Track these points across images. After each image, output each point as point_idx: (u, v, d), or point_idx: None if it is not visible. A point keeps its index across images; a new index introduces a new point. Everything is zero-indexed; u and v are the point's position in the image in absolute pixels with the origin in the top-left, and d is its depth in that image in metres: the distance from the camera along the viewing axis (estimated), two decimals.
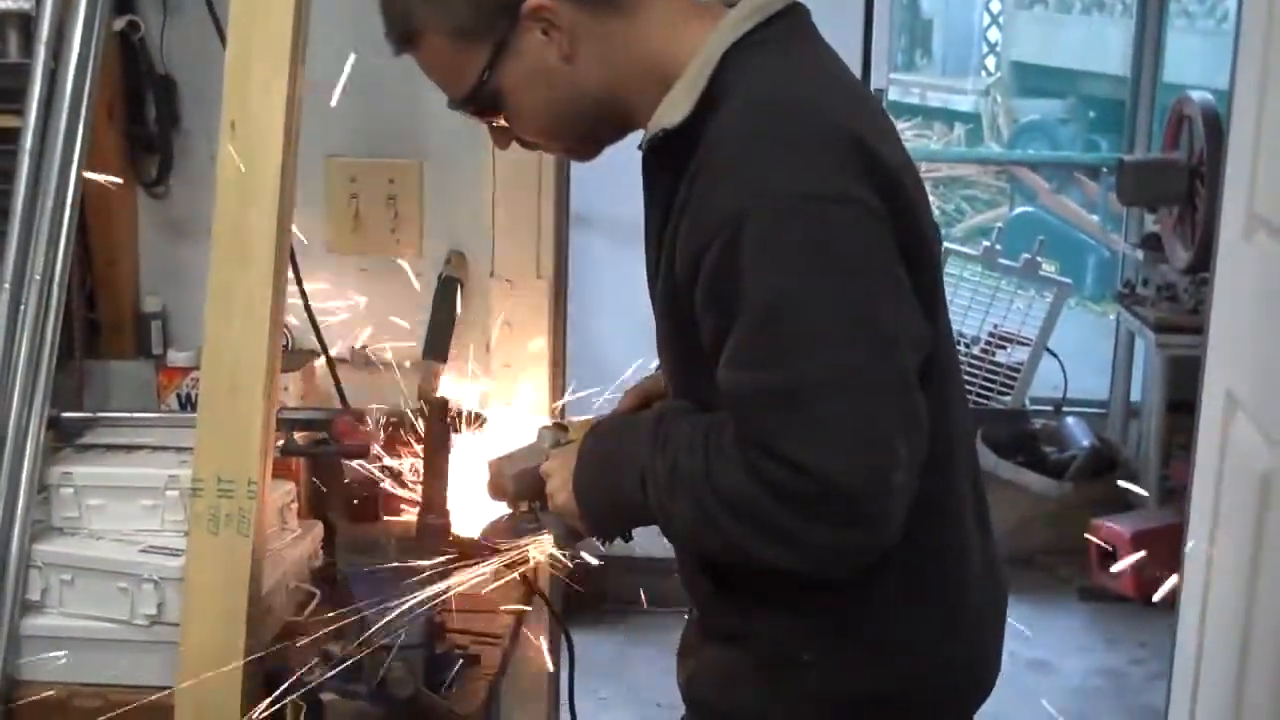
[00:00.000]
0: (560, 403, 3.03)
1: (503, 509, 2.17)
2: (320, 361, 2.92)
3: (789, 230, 1.67)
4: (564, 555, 2.32)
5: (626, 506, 1.87)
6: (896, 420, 1.68)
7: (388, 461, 2.75)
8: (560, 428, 2.12)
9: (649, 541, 1.91)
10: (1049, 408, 6.58)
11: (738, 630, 1.93)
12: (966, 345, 6.45)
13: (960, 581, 1.95)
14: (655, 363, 2.30)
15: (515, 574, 2.37)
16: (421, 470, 2.66)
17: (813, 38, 1.90)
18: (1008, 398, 6.36)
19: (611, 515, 1.92)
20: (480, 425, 2.87)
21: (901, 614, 1.88)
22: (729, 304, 1.69)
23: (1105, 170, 7.88)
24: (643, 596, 2.76)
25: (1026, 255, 6.60)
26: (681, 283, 1.77)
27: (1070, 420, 6.44)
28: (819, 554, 1.71)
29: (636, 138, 1.97)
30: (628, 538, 1.99)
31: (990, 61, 12.57)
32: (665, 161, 1.83)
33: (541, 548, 2.23)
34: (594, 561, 2.45)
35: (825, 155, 1.70)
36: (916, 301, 1.76)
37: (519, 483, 2.08)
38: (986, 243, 6.73)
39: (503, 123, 1.96)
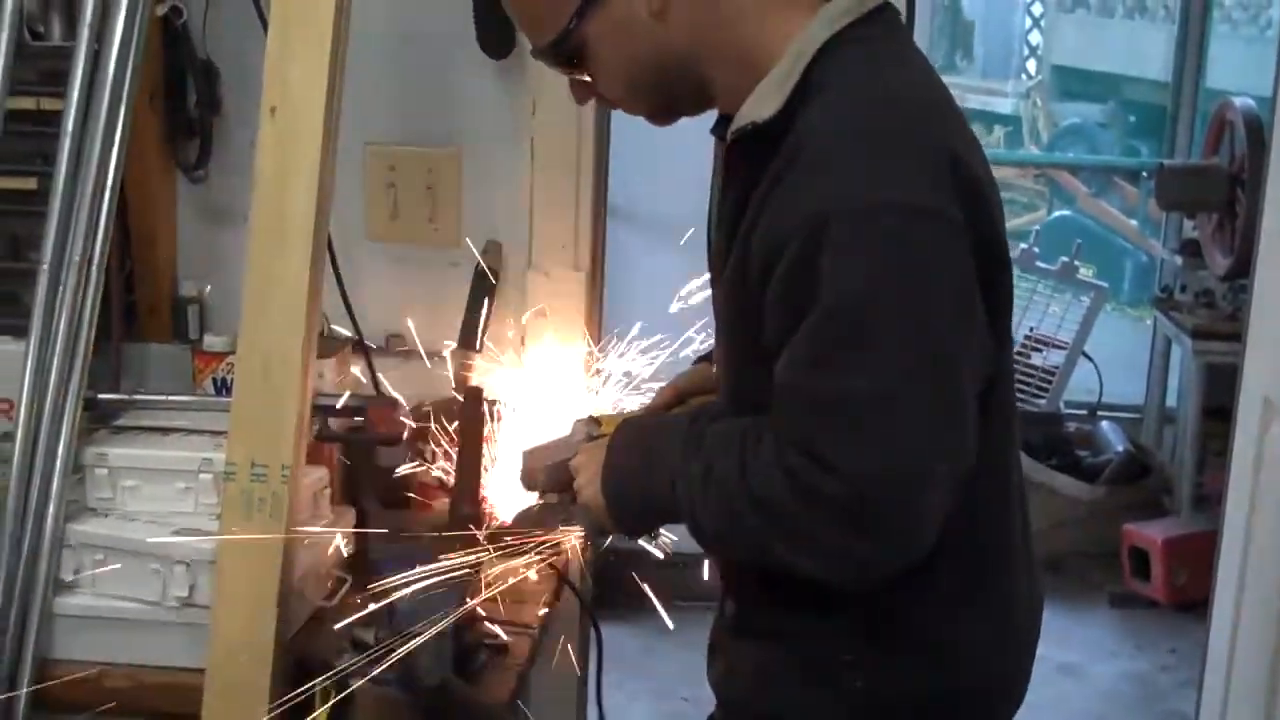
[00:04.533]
0: (594, 394, 3.03)
1: (534, 499, 2.17)
2: (356, 349, 2.93)
3: (870, 238, 1.66)
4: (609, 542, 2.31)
5: (654, 505, 1.87)
6: (942, 442, 1.68)
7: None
8: (594, 421, 2.12)
9: (676, 536, 1.91)
10: (1084, 411, 6.56)
11: (777, 628, 1.93)
12: None
13: (1006, 593, 1.95)
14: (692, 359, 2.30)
15: (545, 564, 2.37)
16: (455, 459, 2.66)
17: (905, 39, 1.89)
18: (1043, 400, 6.34)
19: (638, 513, 1.93)
20: (514, 415, 2.87)
21: (947, 621, 1.88)
22: (800, 303, 1.68)
23: (1145, 175, 7.83)
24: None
25: (1064, 259, 6.57)
26: (754, 276, 1.75)
27: (1105, 424, 6.42)
28: (843, 563, 1.71)
29: (683, 128, 1.98)
30: (655, 536, 1.99)
31: (1031, 64, 12.49)
32: (748, 153, 1.81)
33: (570, 539, 2.23)
34: (659, 554, 2.44)
35: (914, 165, 1.69)
36: (986, 321, 1.75)
37: (550, 475, 2.08)
38: (1024, 245, 6.70)
39: (585, 77, 1.95)
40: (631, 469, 1.90)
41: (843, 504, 1.65)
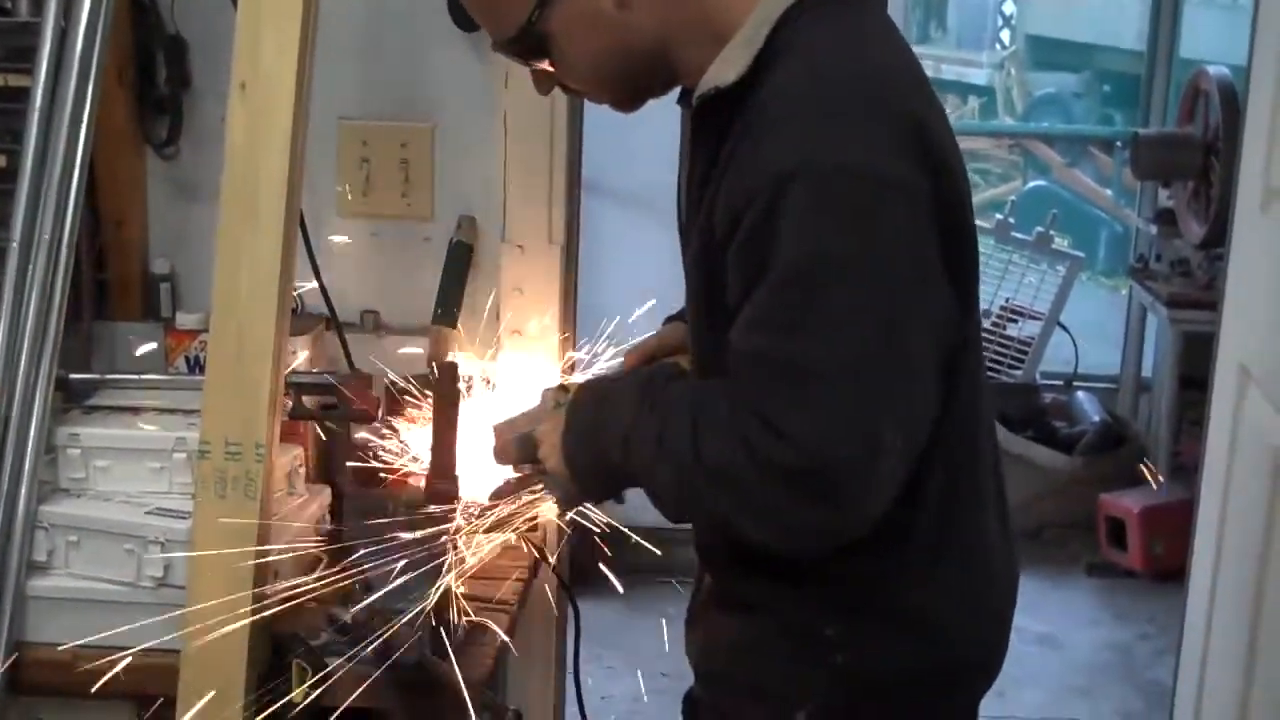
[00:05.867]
0: (569, 368, 3.02)
1: (509, 473, 2.16)
2: (329, 325, 2.91)
3: (831, 203, 1.65)
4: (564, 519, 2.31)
5: (611, 469, 1.87)
6: (895, 411, 1.67)
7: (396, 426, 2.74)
8: (563, 390, 2.11)
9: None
10: (1060, 382, 6.56)
11: (757, 600, 1.92)
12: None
13: (982, 566, 1.95)
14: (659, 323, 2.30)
15: (522, 539, 2.37)
16: (430, 435, 2.65)
17: (872, 5, 1.87)
18: (1019, 372, 6.34)
19: (597, 478, 1.92)
20: (489, 390, 2.86)
21: (921, 594, 1.88)
22: (759, 265, 1.68)
23: (1119, 144, 7.83)
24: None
25: (1039, 229, 6.56)
26: (719, 238, 1.75)
27: (1081, 395, 6.43)
28: (792, 529, 1.72)
29: (656, 100, 1.97)
30: (619, 500, 1.99)
31: (1005, 34, 12.50)
32: (713, 118, 1.80)
33: (545, 510, 2.23)
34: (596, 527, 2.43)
35: (879, 131, 1.68)
36: (948, 290, 1.75)
37: (519, 446, 2.07)
38: (999, 216, 6.70)
39: (547, 67, 1.93)
40: (589, 433, 1.89)
41: (795, 471, 1.65)
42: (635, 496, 1.92)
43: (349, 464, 2.69)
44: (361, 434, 2.73)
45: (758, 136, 1.71)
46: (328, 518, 2.68)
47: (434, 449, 2.63)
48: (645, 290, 2.85)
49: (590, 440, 1.88)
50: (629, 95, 1.96)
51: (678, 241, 2.02)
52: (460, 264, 2.98)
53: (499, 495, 2.17)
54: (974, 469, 1.92)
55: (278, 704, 2.20)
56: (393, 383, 2.82)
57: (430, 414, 2.67)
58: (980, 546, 1.94)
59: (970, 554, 1.92)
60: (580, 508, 2.30)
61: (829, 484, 1.65)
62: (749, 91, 1.75)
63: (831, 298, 1.65)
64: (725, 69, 1.77)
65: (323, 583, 2.29)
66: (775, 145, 1.69)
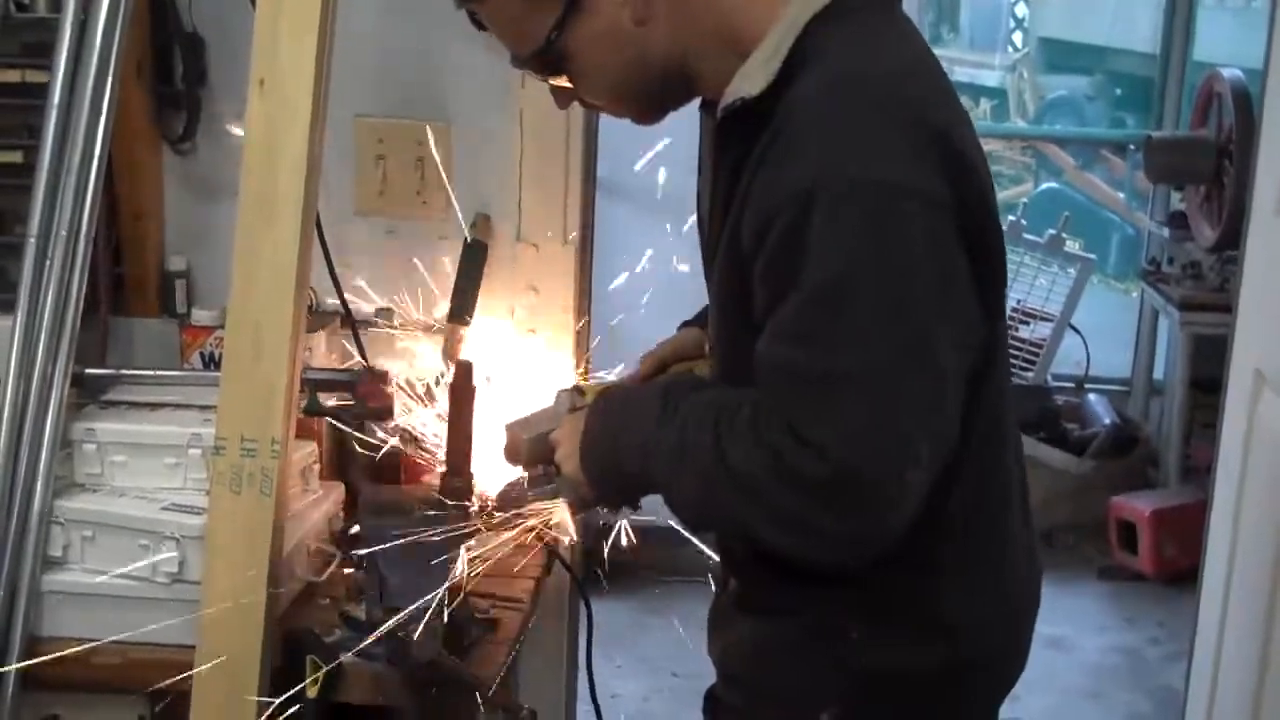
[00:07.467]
0: (583, 368, 3.02)
1: (519, 473, 2.16)
2: (344, 323, 2.91)
3: (852, 216, 1.65)
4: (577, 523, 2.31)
5: (629, 476, 1.87)
6: (923, 421, 1.67)
7: (410, 423, 2.75)
8: (578, 391, 2.11)
9: (667, 511, 1.90)
10: (1071, 384, 6.57)
11: (780, 603, 1.92)
12: None
13: (1005, 569, 1.95)
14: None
15: (536, 539, 2.37)
16: (444, 433, 2.66)
17: (895, 11, 1.87)
18: (1030, 374, 6.34)
19: (617, 485, 1.92)
20: (503, 388, 2.86)
21: (946, 597, 1.88)
22: (785, 278, 1.68)
23: (1132, 147, 7.83)
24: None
25: (1051, 231, 6.57)
26: (745, 252, 1.75)
27: (1092, 397, 6.43)
28: (818, 539, 1.71)
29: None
30: (635, 506, 1.99)
31: (1018, 37, 12.49)
32: (738, 128, 1.80)
33: (556, 513, 2.23)
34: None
35: (902, 141, 1.68)
36: (973, 298, 1.74)
37: (533, 448, 2.08)
38: (1011, 218, 6.70)
39: (565, 83, 1.93)
40: (608, 440, 1.89)
41: (822, 481, 1.64)
42: (647, 499, 1.93)
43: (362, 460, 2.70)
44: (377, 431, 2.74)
45: (781, 149, 1.71)
46: (341, 515, 2.68)
47: (448, 446, 2.63)
48: (658, 289, 2.85)
49: (610, 447, 1.88)
50: (648, 109, 1.96)
51: (693, 242, 2.02)
52: (475, 262, 2.98)
53: (508, 494, 2.17)
54: (998, 473, 1.92)
55: (292, 700, 2.20)
56: (407, 381, 2.83)
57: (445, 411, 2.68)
58: (1004, 550, 1.94)
59: (993, 558, 1.92)
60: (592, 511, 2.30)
61: (856, 495, 1.65)
62: (774, 101, 1.75)
63: (858, 310, 1.65)
64: (750, 80, 1.77)
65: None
66: (798, 159, 1.69)
